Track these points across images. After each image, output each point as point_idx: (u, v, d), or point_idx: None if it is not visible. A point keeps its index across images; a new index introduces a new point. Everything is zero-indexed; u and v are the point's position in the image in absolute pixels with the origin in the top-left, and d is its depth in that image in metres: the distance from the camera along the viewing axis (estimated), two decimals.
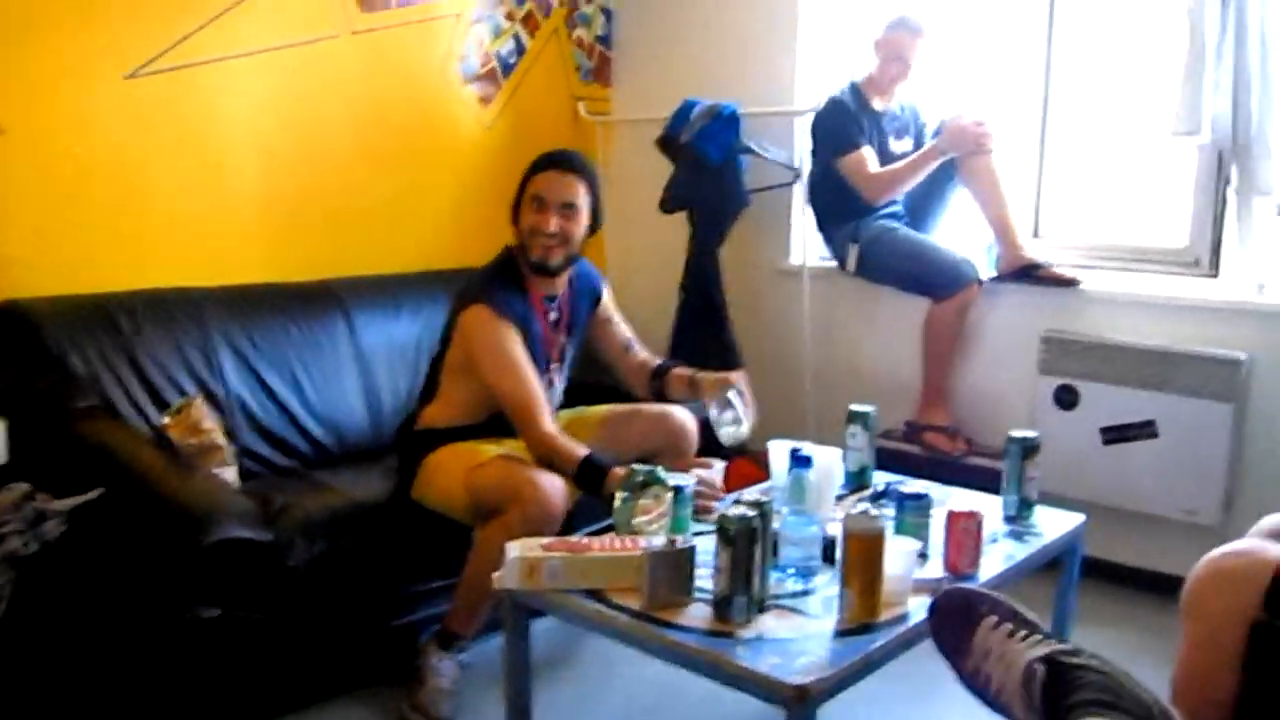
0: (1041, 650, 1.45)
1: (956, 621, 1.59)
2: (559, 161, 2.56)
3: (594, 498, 2.33)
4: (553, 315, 2.63)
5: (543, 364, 2.57)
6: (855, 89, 3.43)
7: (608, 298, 2.81)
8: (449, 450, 2.50)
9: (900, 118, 3.50)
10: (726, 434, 2.45)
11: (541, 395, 2.46)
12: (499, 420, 2.51)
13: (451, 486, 2.43)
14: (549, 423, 2.44)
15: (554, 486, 2.30)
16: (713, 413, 2.47)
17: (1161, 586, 3.13)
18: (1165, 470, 3.03)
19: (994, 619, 1.55)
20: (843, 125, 3.39)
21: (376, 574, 2.50)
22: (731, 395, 2.47)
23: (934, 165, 3.30)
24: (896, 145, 3.48)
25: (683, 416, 2.69)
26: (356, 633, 2.48)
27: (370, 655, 2.51)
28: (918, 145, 3.46)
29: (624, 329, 2.83)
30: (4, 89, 2.62)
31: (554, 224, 2.49)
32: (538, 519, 2.22)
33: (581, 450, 2.36)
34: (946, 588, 1.69)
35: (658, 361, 2.78)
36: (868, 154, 3.38)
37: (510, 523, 2.22)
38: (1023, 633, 1.51)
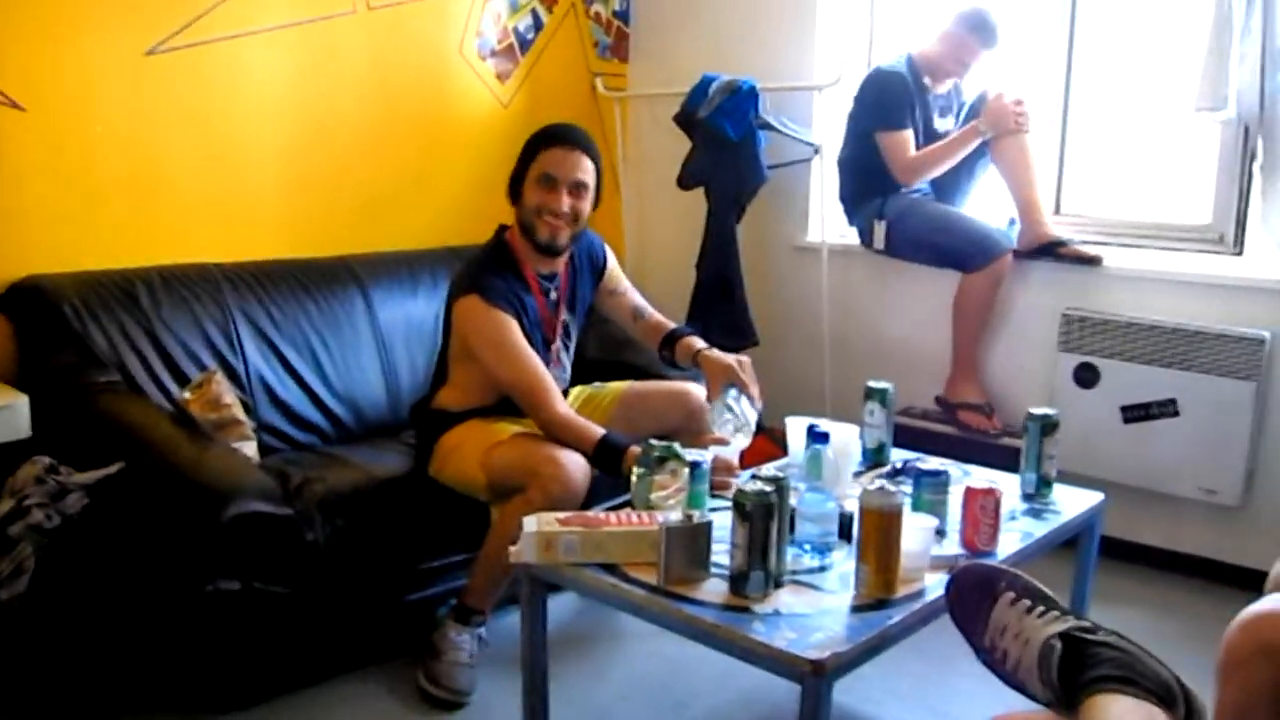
0: (1059, 627, 1.45)
1: (974, 597, 1.58)
2: (567, 138, 2.50)
3: (613, 477, 2.32)
4: (552, 294, 2.59)
5: (542, 344, 2.54)
6: (912, 65, 3.36)
7: (613, 266, 2.76)
8: (465, 428, 2.50)
9: (946, 96, 3.46)
10: (727, 434, 2.37)
11: (547, 378, 2.42)
12: (511, 402, 2.50)
13: (469, 465, 2.43)
14: (559, 405, 2.41)
15: (575, 464, 2.29)
16: (713, 415, 2.41)
17: (1181, 566, 3.13)
18: (1186, 449, 3.01)
19: (1012, 594, 1.54)
20: (895, 100, 3.33)
21: (394, 549, 2.51)
22: (730, 400, 2.41)
23: (972, 146, 3.27)
24: (940, 123, 3.45)
25: (701, 395, 2.67)
26: (374, 607, 2.49)
27: (388, 630, 2.53)
28: (959, 123, 3.42)
29: (633, 296, 2.77)
30: (24, 67, 2.62)
31: (566, 203, 2.46)
32: (559, 497, 2.21)
33: (598, 430, 2.35)
34: (964, 563, 1.68)
35: (671, 326, 2.71)
36: (909, 138, 3.34)
37: (532, 500, 2.21)
38: (1040, 609, 1.50)
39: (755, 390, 2.46)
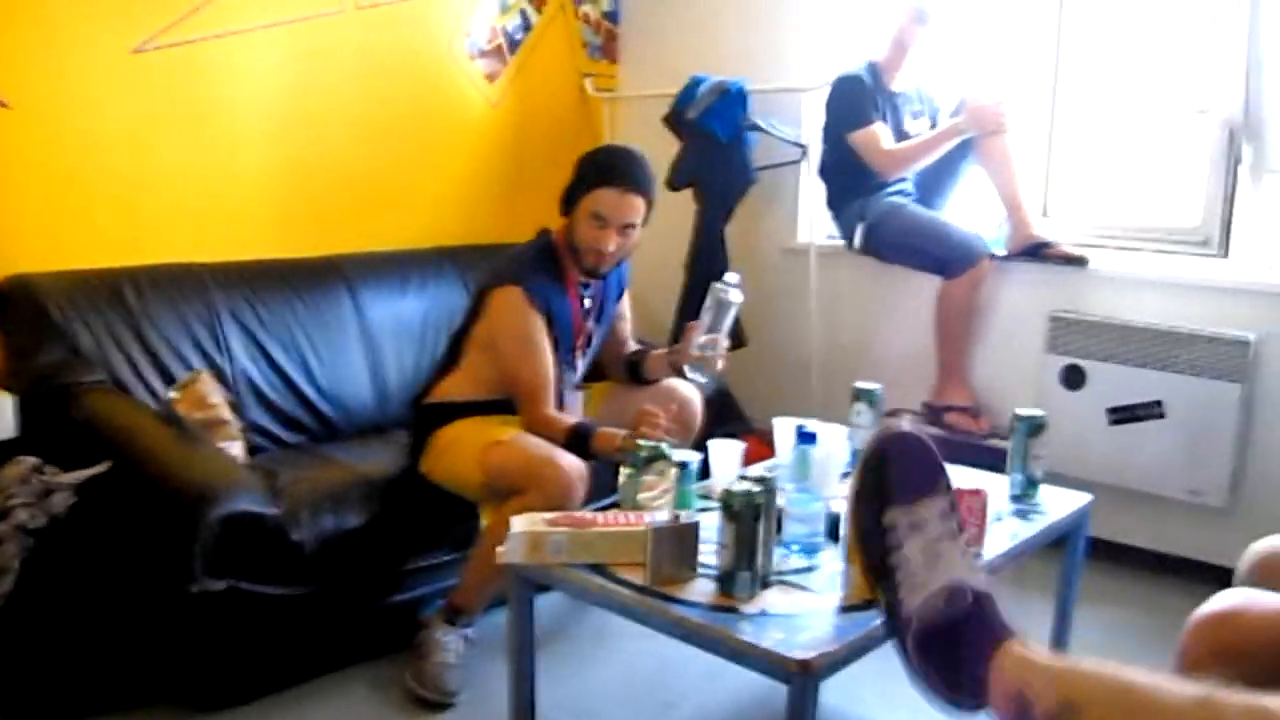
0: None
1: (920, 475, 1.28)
2: (624, 179, 2.48)
3: (588, 460, 2.37)
4: (586, 303, 2.64)
5: (568, 349, 2.59)
6: (873, 68, 3.40)
7: (627, 296, 2.82)
8: (464, 425, 2.49)
9: (916, 100, 3.48)
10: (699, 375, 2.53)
11: (550, 383, 2.48)
12: (511, 402, 2.52)
13: (464, 462, 2.43)
14: (550, 407, 2.48)
15: (574, 467, 2.29)
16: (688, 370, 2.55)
17: (1167, 567, 3.14)
18: (1172, 451, 3.02)
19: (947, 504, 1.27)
20: (856, 100, 3.37)
21: (382, 549, 2.50)
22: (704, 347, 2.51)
23: (951, 144, 3.28)
24: (913, 125, 3.47)
25: (688, 390, 2.70)
26: (361, 607, 2.48)
27: (375, 629, 2.52)
28: (933, 127, 3.44)
29: (628, 327, 2.83)
30: (10, 64, 2.61)
31: (614, 243, 2.50)
32: (558, 499, 2.21)
33: (569, 421, 2.43)
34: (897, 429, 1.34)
35: (634, 346, 2.80)
36: (880, 130, 3.36)
37: (530, 503, 2.18)
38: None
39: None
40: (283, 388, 2.93)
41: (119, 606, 2.22)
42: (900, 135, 3.43)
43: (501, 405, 2.52)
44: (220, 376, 2.77)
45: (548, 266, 2.56)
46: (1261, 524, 2.97)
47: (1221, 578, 2.96)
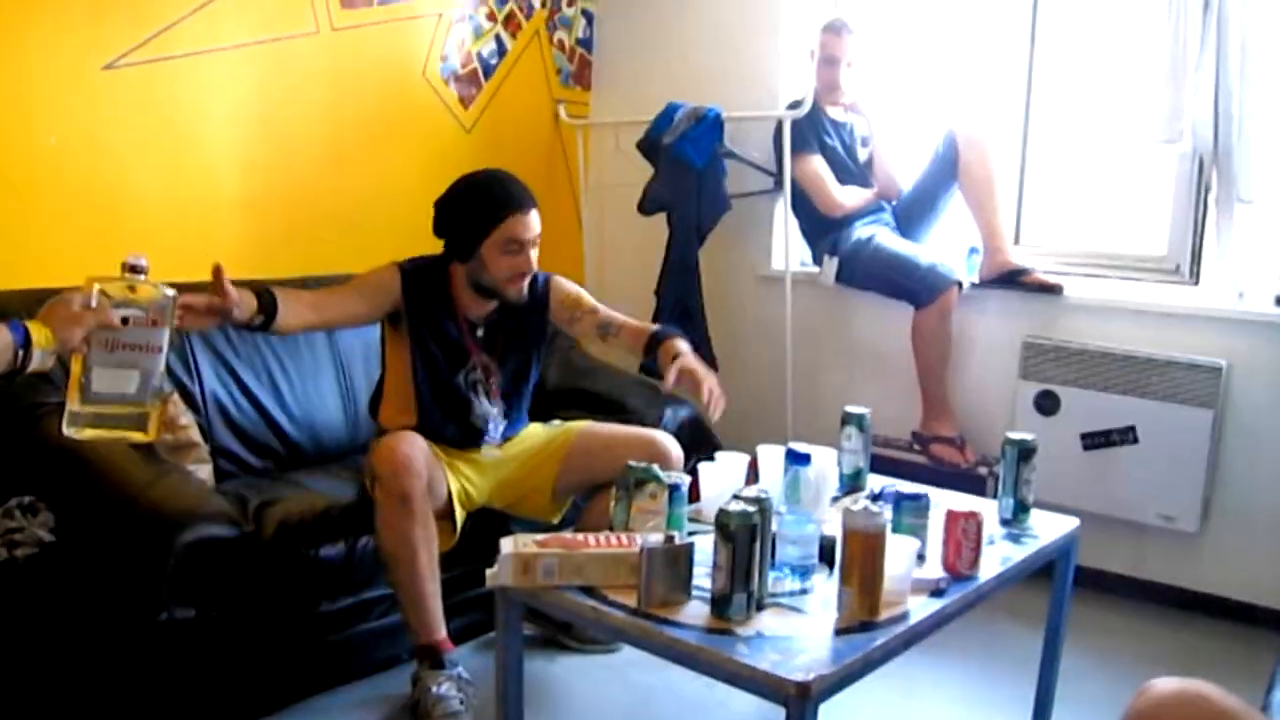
0: None
1: None
2: (522, 200, 2.48)
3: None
4: (480, 331, 2.58)
5: (446, 368, 2.53)
6: (815, 96, 3.48)
7: (563, 293, 2.65)
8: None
9: (863, 127, 3.58)
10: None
11: (323, 300, 2.44)
12: (427, 419, 2.51)
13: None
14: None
15: (402, 441, 2.31)
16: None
17: (1138, 592, 3.15)
18: (1145, 476, 3.04)
19: None
20: (796, 129, 3.45)
21: (353, 573, 2.44)
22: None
23: None
24: (864, 153, 3.57)
25: (667, 443, 2.56)
26: (333, 632, 2.42)
27: (349, 654, 2.46)
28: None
29: (600, 315, 2.62)
30: None
31: (533, 260, 2.49)
32: (387, 475, 2.25)
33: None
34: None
35: (651, 331, 2.60)
36: (818, 165, 3.45)
37: (379, 485, 2.27)
38: None
39: (706, 403, 2.38)
40: (252, 412, 2.86)
41: (86, 636, 2.14)
42: (853, 164, 3.53)
43: (422, 427, 2.49)
44: (188, 399, 2.70)
45: (437, 281, 2.53)
46: (1231, 550, 3.01)
47: (1195, 603, 3.02)
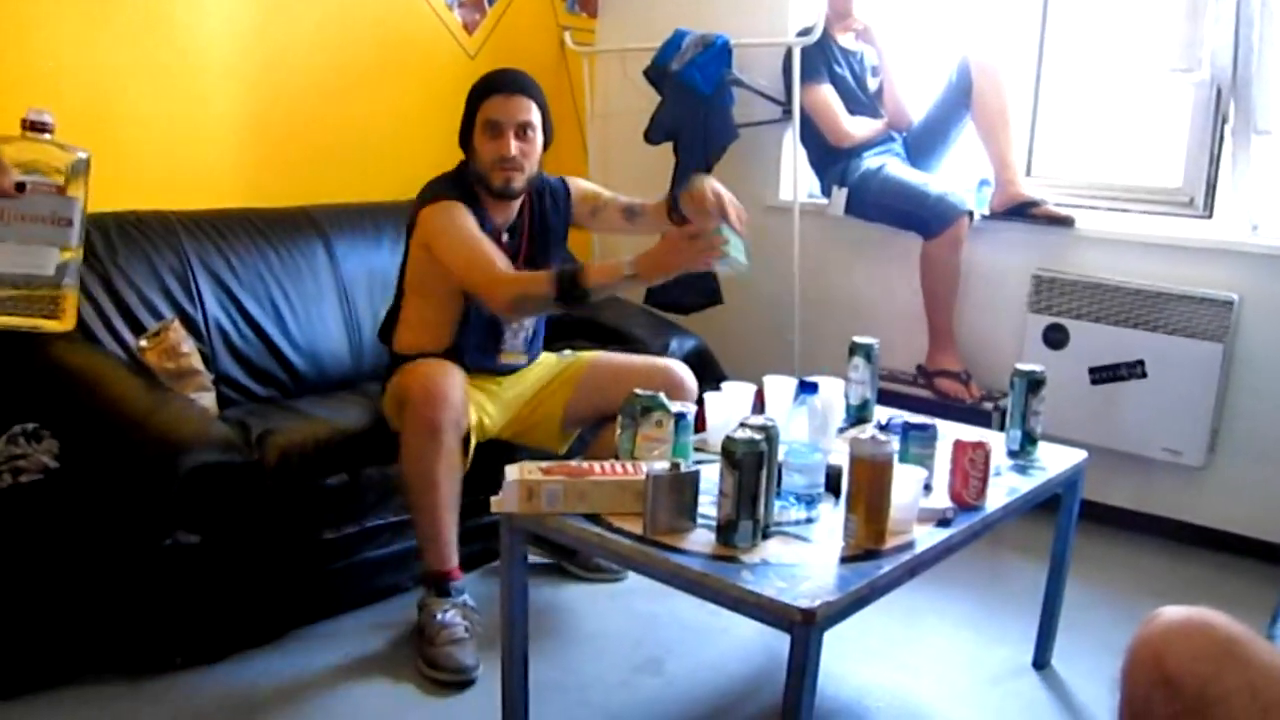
0: None
1: None
2: (506, 84, 2.48)
3: (583, 305, 2.28)
4: (505, 237, 2.54)
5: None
6: (827, 24, 3.42)
7: (582, 190, 2.66)
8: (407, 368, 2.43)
9: (866, 58, 3.53)
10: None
11: (494, 252, 2.37)
12: (461, 346, 2.49)
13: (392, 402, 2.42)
14: (505, 267, 2.37)
15: (433, 373, 2.29)
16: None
17: (1143, 526, 3.16)
18: (1152, 410, 3.03)
19: None
20: (806, 56, 3.38)
21: (359, 502, 2.44)
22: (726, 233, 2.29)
23: None
24: (874, 83, 3.51)
25: (681, 372, 2.56)
26: (336, 559, 2.42)
27: (352, 582, 2.47)
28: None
29: (620, 201, 2.63)
30: None
31: (514, 147, 2.43)
32: (420, 400, 2.24)
33: (545, 273, 2.32)
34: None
35: (663, 198, 2.55)
36: (828, 94, 3.38)
37: (410, 412, 2.25)
38: None
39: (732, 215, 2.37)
40: (255, 339, 2.84)
41: (91, 561, 2.14)
42: (862, 93, 3.46)
43: (450, 353, 2.48)
44: (191, 327, 2.68)
45: (466, 191, 2.48)
46: (1236, 484, 3.01)
47: (1200, 537, 3.03)
